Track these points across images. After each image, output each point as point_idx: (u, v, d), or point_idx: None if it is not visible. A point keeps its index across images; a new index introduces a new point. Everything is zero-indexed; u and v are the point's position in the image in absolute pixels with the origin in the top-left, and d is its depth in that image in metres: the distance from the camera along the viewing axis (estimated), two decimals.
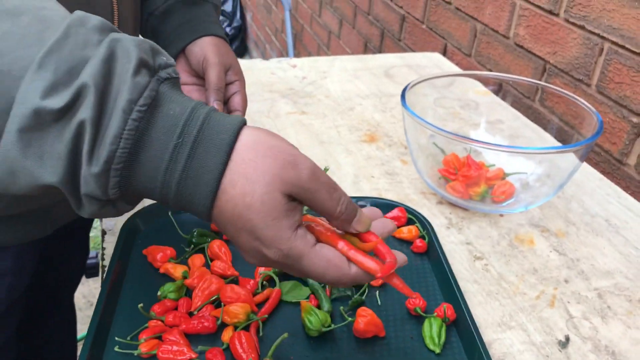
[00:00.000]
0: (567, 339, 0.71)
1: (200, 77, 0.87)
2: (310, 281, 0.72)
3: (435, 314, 0.69)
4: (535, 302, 0.76)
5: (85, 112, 0.40)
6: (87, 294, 1.98)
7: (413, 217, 0.85)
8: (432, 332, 0.66)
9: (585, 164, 1.11)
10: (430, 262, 0.79)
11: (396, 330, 0.68)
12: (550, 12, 1.20)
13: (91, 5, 0.68)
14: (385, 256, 0.51)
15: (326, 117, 1.17)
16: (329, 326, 0.65)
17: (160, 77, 0.44)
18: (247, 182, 0.44)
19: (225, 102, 0.87)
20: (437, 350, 0.65)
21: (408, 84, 0.96)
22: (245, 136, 0.45)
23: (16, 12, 0.42)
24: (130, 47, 0.42)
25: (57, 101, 0.39)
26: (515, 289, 0.78)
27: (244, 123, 0.46)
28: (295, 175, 0.45)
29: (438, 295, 0.73)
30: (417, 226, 0.83)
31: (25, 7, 0.42)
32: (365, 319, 0.65)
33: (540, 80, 1.29)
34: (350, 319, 0.67)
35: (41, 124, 0.40)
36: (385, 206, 0.87)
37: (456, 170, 0.95)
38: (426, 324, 0.68)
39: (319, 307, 0.69)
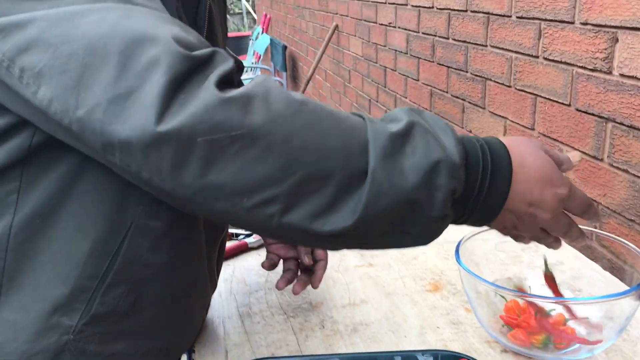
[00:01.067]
0: None
1: None
2: None
3: None
4: None
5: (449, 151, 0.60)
6: None
7: None
8: None
9: None
10: None
11: None
12: (595, 157, 1.28)
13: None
14: None
15: (391, 267, 1.26)
16: None
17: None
18: (519, 155, 0.66)
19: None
20: None
21: (461, 239, 1.04)
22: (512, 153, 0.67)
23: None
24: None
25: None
26: None
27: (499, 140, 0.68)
28: (537, 142, 0.72)
29: None
30: None
31: None
32: None
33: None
34: None
35: (397, 146, 0.56)
36: (450, 358, 0.92)
37: (519, 315, 0.99)
38: None
39: None
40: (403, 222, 0.59)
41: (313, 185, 0.55)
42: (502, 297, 1.04)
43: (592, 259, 1.22)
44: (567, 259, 1.24)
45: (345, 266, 1.27)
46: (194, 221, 0.75)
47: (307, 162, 0.54)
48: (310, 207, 0.55)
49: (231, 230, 1.02)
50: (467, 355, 0.92)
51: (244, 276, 1.24)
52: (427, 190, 0.57)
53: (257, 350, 0.97)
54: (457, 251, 1.01)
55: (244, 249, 1.33)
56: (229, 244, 1.31)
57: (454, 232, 1.29)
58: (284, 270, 1.03)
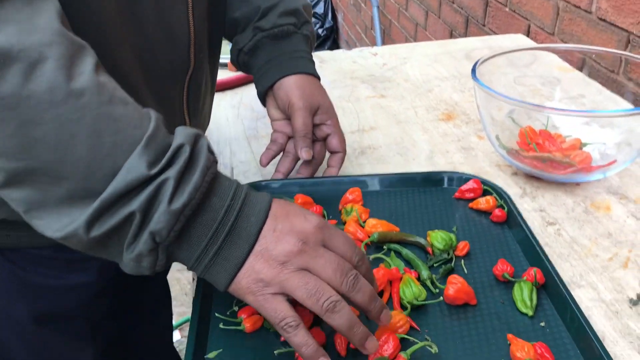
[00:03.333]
0: (639, 297, 0.71)
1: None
2: (405, 251, 0.77)
3: (525, 278, 0.71)
4: (608, 264, 0.77)
5: (173, 170, 0.52)
6: (184, 285, 2.13)
7: (489, 189, 0.88)
8: (524, 295, 0.68)
9: None
10: (511, 231, 0.81)
11: (486, 296, 0.70)
12: None
13: (170, 37, 0.73)
14: None
15: (404, 99, 1.22)
16: (423, 300, 0.68)
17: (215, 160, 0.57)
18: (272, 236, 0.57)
19: (324, 140, 0.89)
20: (530, 313, 0.67)
21: (479, 59, 0.99)
22: (273, 205, 0.59)
23: (126, 101, 0.53)
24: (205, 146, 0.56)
25: (155, 169, 0.51)
26: (587, 252, 0.79)
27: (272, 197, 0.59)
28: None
29: (523, 260, 0.75)
30: (494, 197, 0.86)
31: (128, 98, 0.54)
32: (455, 287, 0.68)
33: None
34: (441, 286, 0.70)
35: (138, 185, 0.51)
36: (460, 179, 0.90)
37: (529, 142, 0.96)
38: (516, 288, 0.69)
39: (418, 277, 0.72)
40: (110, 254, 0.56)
41: (39, 179, 0.50)
42: (517, 123, 1.00)
43: (617, 93, 1.16)
44: (590, 93, 1.18)
45: (356, 96, 1.23)
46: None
47: (41, 158, 0.49)
48: (29, 196, 0.51)
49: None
50: (478, 176, 0.90)
51: (251, 103, 1.20)
52: (133, 263, 0.55)
53: (262, 170, 0.96)
54: (473, 71, 0.96)
55: (250, 80, 1.29)
56: (236, 74, 1.28)
57: (470, 66, 1.22)
58: (271, 141, 0.91)
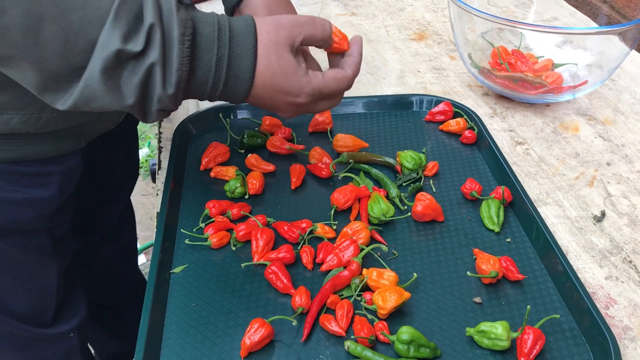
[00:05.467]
0: (603, 214, 0.72)
1: None
2: (374, 171, 0.76)
3: (493, 196, 0.71)
4: (574, 182, 0.77)
5: (154, 53, 0.51)
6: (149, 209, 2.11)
7: (459, 111, 0.87)
8: (491, 212, 0.69)
9: (637, 55, 1.07)
10: (480, 151, 0.81)
11: (453, 214, 0.71)
12: None
13: None
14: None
15: (376, 17, 1.18)
16: (391, 216, 0.68)
17: (186, 5, 0.54)
18: (265, 58, 0.57)
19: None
20: (497, 229, 0.67)
21: None
22: (259, 28, 0.58)
23: None
24: None
25: (135, 45, 0.50)
26: (555, 171, 0.79)
27: (252, 20, 0.58)
28: (287, 34, 0.58)
29: (491, 180, 0.76)
30: (464, 118, 0.85)
31: None
32: (424, 203, 0.67)
33: None
34: (409, 203, 0.70)
35: (120, 64, 0.50)
36: (431, 102, 0.88)
37: (502, 62, 0.94)
38: (484, 205, 0.70)
39: (387, 195, 0.72)
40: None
41: (21, 65, 0.51)
42: (490, 43, 0.98)
43: (590, 16, 1.15)
44: (562, 16, 1.16)
45: (326, 14, 1.19)
46: None
47: (15, 45, 0.49)
48: (24, 79, 0.52)
49: None
50: (449, 99, 0.88)
51: None
52: (140, 105, 0.55)
53: None
54: None
55: None
56: None
57: None
58: None
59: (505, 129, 0.87)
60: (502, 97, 0.94)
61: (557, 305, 0.59)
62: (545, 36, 0.97)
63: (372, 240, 0.66)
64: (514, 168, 0.79)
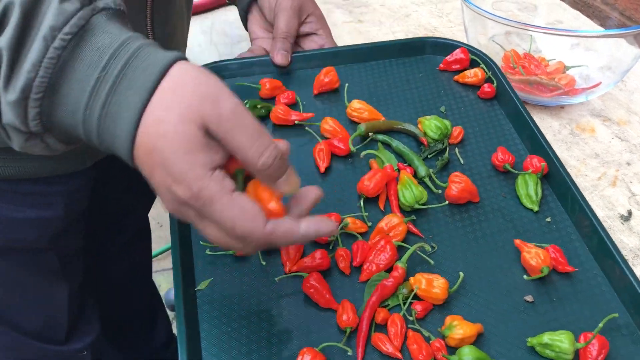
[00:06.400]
0: (630, 213, 0.73)
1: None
2: (395, 144, 0.70)
3: (531, 170, 0.66)
4: (597, 183, 0.78)
5: (3, 38, 0.38)
6: (155, 216, 2.09)
7: (476, 58, 0.81)
8: (529, 190, 0.64)
9: None
10: (501, 108, 0.76)
11: (486, 190, 0.66)
12: None
13: None
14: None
15: (382, 24, 1.18)
16: (424, 203, 0.64)
17: (96, 6, 0.41)
18: (162, 109, 0.40)
19: None
20: (536, 208, 0.64)
21: None
22: (175, 71, 0.41)
23: None
24: None
25: None
26: (577, 172, 0.80)
27: (180, 58, 0.42)
28: (213, 110, 0.41)
29: (519, 143, 0.71)
30: (482, 68, 0.80)
31: None
32: (459, 186, 0.63)
33: None
34: (442, 184, 0.65)
35: None
36: (446, 46, 0.82)
37: (515, 65, 0.95)
38: (520, 181, 0.65)
39: (414, 174, 0.67)
40: None
41: None
42: (502, 47, 0.99)
43: (592, 18, 1.16)
44: (567, 19, 1.18)
45: (332, 22, 1.18)
46: None
47: None
48: None
49: None
50: (466, 45, 0.83)
51: (224, 29, 1.15)
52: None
53: None
54: None
55: (221, 3, 1.23)
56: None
57: None
58: (247, 51, 0.83)
59: None
60: None
61: (609, 297, 0.57)
62: (556, 39, 0.98)
63: (408, 233, 0.62)
64: None
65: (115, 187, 0.89)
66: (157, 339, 1.11)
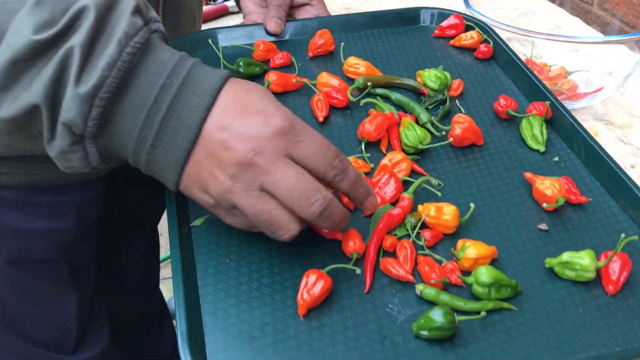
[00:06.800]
0: None
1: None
2: (394, 96, 0.69)
3: (534, 112, 0.65)
4: None
5: (78, 38, 0.40)
6: None
7: (471, 24, 0.80)
8: (534, 131, 0.63)
9: None
10: (500, 66, 0.75)
11: (490, 135, 0.65)
12: None
13: None
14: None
15: None
16: (428, 144, 0.62)
17: (151, 27, 0.45)
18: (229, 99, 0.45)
19: None
20: (542, 149, 0.63)
21: None
22: (227, 88, 0.46)
23: None
24: None
25: (49, 32, 0.40)
26: None
27: (228, 76, 0.47)
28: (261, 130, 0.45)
29: (519, 95, 0.71)
30: (477, 31, 0.79)
31: None
32: (463, 126, 0.61)
33: None
34: (444, 127, 0.63)
35: (33, 55, 0.40)
36: (442, 16, 0.82)
37: None
38: (525, 124, 0.64)
39: (416, 121, 0.66)
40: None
41: None
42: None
43: (593, 25, 1.17)
44: (565, 25, 1.18)
45: None
46: None
47: None
48: None
49: None
50: (459, 12, 0.82)
51: None
52: (61, 162, 0.45)
53: None
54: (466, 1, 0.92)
55: (224, 13, 1.22)
56: (208, 8, 1.20)
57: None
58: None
59: None
60: None
61: (625, 225, 0.55)
62: (557, 44, 0.98)
63: (412, 172, 0.60)
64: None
65: (130, 197, 0.85)
66: (164, 348, 1.03)
